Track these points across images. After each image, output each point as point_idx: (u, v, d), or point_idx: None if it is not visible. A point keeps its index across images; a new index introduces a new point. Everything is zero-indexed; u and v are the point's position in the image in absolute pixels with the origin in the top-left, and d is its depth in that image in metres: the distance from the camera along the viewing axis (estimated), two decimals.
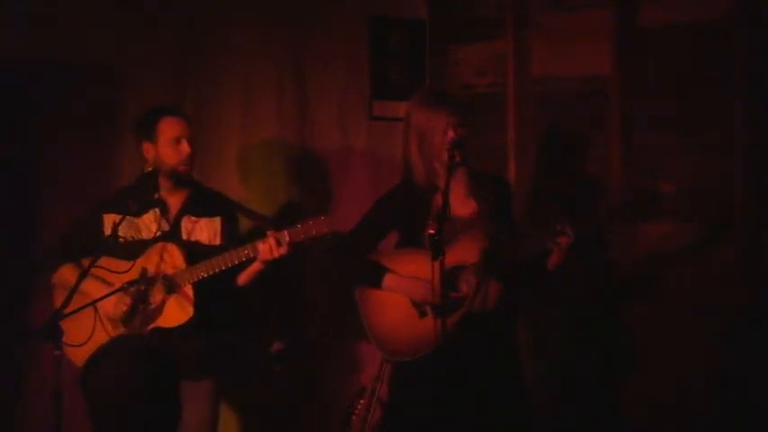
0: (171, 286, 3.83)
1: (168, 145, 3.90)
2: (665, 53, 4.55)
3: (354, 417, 4.33)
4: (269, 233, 3.81)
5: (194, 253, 3.88)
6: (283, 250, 3.79)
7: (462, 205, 3.80)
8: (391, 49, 5.15)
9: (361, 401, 4.33)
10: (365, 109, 5.10)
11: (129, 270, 3.84)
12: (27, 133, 4.45)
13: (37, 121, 4.46)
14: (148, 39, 4.65)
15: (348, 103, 5.07)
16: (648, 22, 4.60)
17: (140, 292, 3.80)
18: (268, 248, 3.79)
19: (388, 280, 3.77)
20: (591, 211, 4.20)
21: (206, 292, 3.87)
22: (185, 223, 3.96)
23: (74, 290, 3.57)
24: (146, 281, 3.81)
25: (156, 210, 3.94)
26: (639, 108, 4.63)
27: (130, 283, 3.78)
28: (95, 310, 3.79)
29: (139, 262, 3.86)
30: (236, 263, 3.83)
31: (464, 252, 3.69)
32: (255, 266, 3.89)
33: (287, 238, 3.80)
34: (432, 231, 3.39)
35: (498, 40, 5.03)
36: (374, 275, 3.79)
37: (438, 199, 3.65)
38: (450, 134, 3.68)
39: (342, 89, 5.06)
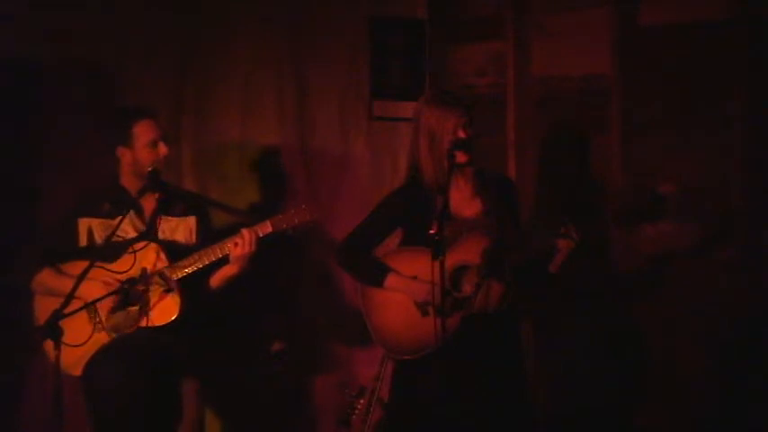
0: (168, 284, 3.83)
1: (145, 148, 3.91)
2: (665, 53, 4.55)
3: (354, 417, 4.32)
4: (242, 230, 3.83)
5: (174, 252, 3.90)
6: (252, 247, 3.82)
7: (468, 206, 3.80)
8: (391, 49, 5.14)
9: (361, 401, 4.32)
10: (365, 109, 5.10)
11: (128, 270, 3.84)
12: (27, 133, 4.45)
13: (37, 121, 4.46)
14: (148, 39, 4.65)
15: (348, 103, 5.07)
16: (648, 21, 4.60)
17: (138, 292, 3.81)
18: (235, 244, 3.83)
19: (390, 280, 3.77)
20: (592, 211, 4.20)
21: (191, 290, 3.88)
22: (162, 224, 3.98)
23: (73, 291, 3.57)
24: (145, 280, 3.82)
25: (132, 211, 3.94)
26: (639, 108, 4.62)
27: (128, 282, 3.79)
28: (91, 311, 3.80)
29: (138, 261, 3.86)
30: (219, 257, 3.85)
31: (468, 252, 3.69)
32: (228, 269, 3.91)
33: (269, 228, 3.81)
34: (432, 231, 3.39)
35: (498, 40, 5.03)
36: (376, 275, 3.79)
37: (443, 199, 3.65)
38: (461, 134, 3.68)
39: (342, 89, 5.05)
